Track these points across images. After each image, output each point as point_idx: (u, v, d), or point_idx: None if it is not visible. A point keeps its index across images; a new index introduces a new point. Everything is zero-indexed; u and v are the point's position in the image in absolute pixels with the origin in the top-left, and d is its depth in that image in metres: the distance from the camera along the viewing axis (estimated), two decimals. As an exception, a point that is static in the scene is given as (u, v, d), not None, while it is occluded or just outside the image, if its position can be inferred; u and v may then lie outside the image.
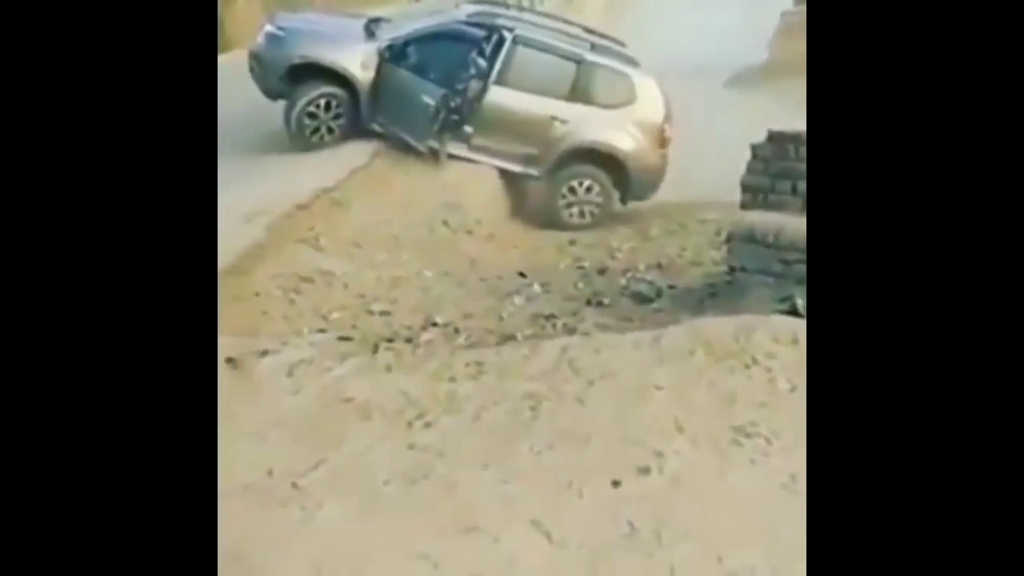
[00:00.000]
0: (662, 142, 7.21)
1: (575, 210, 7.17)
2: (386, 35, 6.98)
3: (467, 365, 3.18)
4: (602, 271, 5.57)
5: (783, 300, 3.63)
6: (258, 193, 5.73)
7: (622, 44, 7.74)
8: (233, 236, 4.99)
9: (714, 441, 2.57)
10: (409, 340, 4.19)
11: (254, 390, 3.13)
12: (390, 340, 4.16)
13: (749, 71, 12.81)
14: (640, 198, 7.43)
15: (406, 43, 6.84)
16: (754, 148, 4.08)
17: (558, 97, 6.95)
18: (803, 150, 3.68)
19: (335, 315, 4.62)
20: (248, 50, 7.47)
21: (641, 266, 5.57)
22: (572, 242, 6.70)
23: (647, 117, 7.12)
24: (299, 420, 2.89)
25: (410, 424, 2.80)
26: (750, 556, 2.15)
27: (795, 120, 3.67)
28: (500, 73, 6.84)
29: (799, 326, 3.18)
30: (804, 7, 11.98)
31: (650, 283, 5.01)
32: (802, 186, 3.76)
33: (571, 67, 6.94)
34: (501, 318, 4.59)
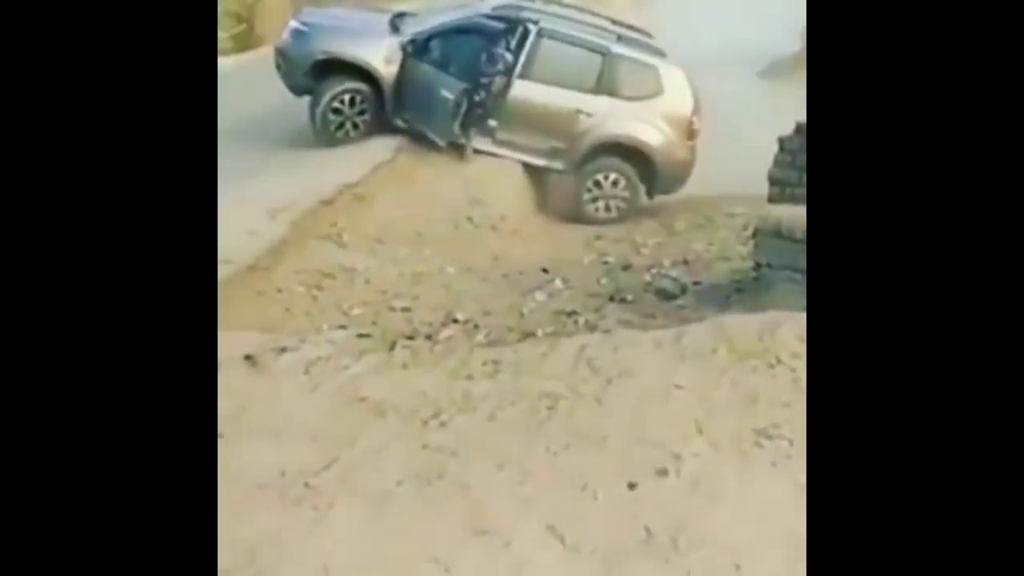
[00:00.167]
0: (690, 134, 7.09)
1: (600, 204, 7.08)
2: (410, 29, 6.96)
3: (484, 364, 3.14)
4: (626, 267, 5.49)
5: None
6: (283, 189, 5.75)
7: (649, 35, 7.61)
8: (257, 232, 5.03)
9: (735, 443, 2.50)
10: (429, 337, 4.16)
11: (271, 388, 3.13)
12: (410, 337, 4.13)
13: (783, 61, 12.53)
14: (667, 192, 7.32)
15: (429, 37, 6.81)
16: (781, 140, 3.97)
17: (583, 90, 6.86)
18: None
19: (356, 311, 4.62)
20: (274, 46, 7.50)
21: (666, 262, 5.47)
22: (598, 237, 6.61)
23: (674, 109, 7.01)
24: (314, 418, 2.87)
25: (425, 423, 2.77)
26: (770, 563, 2.09)
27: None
28: (525, 66, 6.78)
29: (826, 324, 3.08)
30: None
31: (675, 279, 4.92)
32: (831, 179, 3.64)
33: (597, 59, 6.84)
34: (522, 315, 4.54)
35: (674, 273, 5.14)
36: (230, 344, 3.17)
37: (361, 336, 3.96)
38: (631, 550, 2.16)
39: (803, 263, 3.68)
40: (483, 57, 6.83)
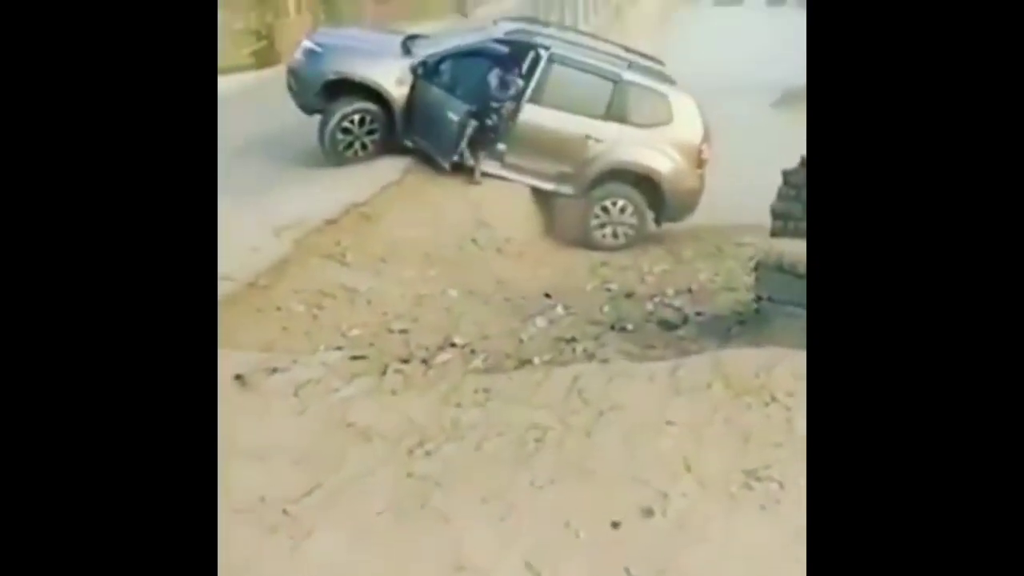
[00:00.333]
0: (699, 163, 7.06)
1: (608, 230, 7.06)
2: (422, 52, 7.00)
3: (475, 391, 3.10)
4: (630, 295, 5.44)
5: (810, 333, 3.46)
6: (289, 206, 5.75)
7: (661, 63, 7.62)
8: (260, 250, 5.03)
9: (723, 484, 2.44)
10: (424, 361, 4.13)
11: (259, 409, 3.10)
12: (405, 360, 4.10)
13: (796, 91, 12.52)
14: (675, 220, 7.28)
15: (440, 60, 6.84)
16: (785, 174, 3.93)
17: (593, 116, 6.86)
18: (835, 176, 3.52)
19: (354, 332, 4.59)
20: (287, 66, 7.56)
21: (670, 291, 5.42)
22: (603, 263, 6.58)
23: (684, 137, 6.98)
24: (300, 442, 2.84)
25: (411, 451, 2.73)
26: (753, 612, 2.02)
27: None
28: (535, 91, 6.79)
29: (824, 362, 3.03)
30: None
31: (677, 309, 4.86)
32: (834, 214, 3.60)
33: (607, 86, 6.85)
34: (521, 341, 4.50)
35: (677, 303, 5.08)
36: (222, 363, 3.15)
37: (355, 358, 3.93)
38: (611, 592, 2.10)
39: (804, 298, 3.63)
40: (494, 81, 6.86)
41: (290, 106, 7.52)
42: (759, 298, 3.91)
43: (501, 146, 6.91)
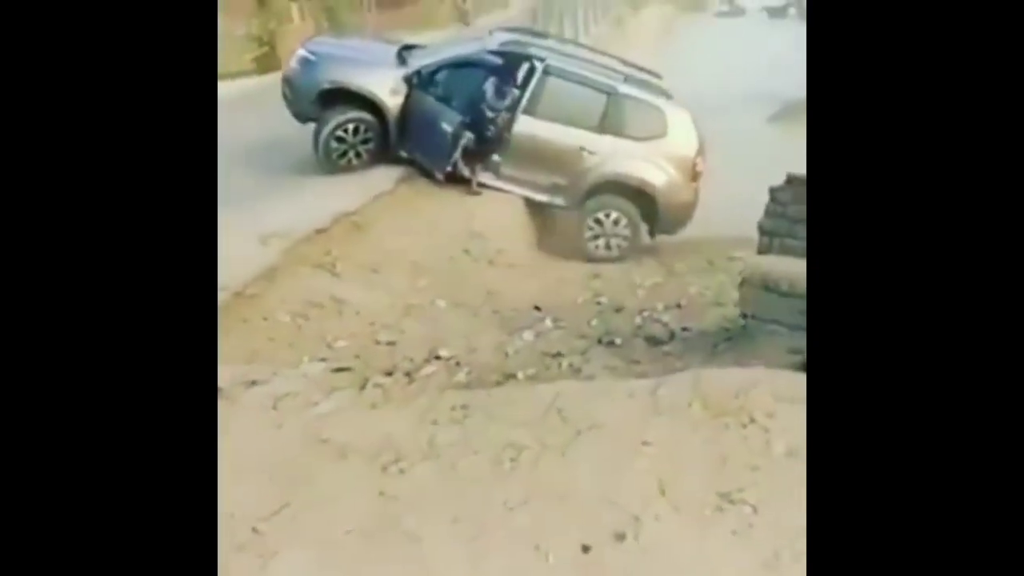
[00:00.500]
0: (693, 176, 7.05)
1: (601, 242, 7.05)
2: (417, 62, 7.00)
3: (453, 408, 3.07)
4: (619, 309, 5.41)
5: (794, 353, 3.44)
6: (280, 215, 5.74)
7: (658, 76, 7.62)
8: (247, 258, 5.01)
9: (697, 507, 2.41)
10: (408, 374, 4.11)
11: (236, 422, 3.07)
12: (389, 373, 4.08)
13: (793, 105, 12.54)
14: (669, 232, 7.28)
15: (435, 71, 6.84)
16: (772, 191, 3.91)
17: (588, 128, 6.86)
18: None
19: (340, 343, 4.57)
20: (282, 75, 7.57)
21: (660, 305, 5.40)
22: (595, 275, 6.56)
23: (679, 151, 6.98)
24: (274, 457, 2.81)
25: (385, 469, 2.70)
26: (721, 640, 1.99)
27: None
28: (530, 103, 6.80)
29: (804, 384, 3.00)
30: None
31: (664, 324, 4.84)
32: (820, 233, 3.58)
33: (602, 98, 6.84)
34: (506, 355, 4.47)
35: (666, 317, 5.06)
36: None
37: (338, 371, 3.92)
38: (578, 617, 2.07)
39: (788, 317, 3.62)
40: (489, 92, 6.86)
41: (287, 113, 7.52)
42: (744, 315, 3.89)
43: (496, 157, 6.91)
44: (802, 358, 3.38)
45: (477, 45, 7.26)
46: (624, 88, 6.91)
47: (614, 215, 7.00)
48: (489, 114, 6.91)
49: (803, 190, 3.72)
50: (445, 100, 6.72)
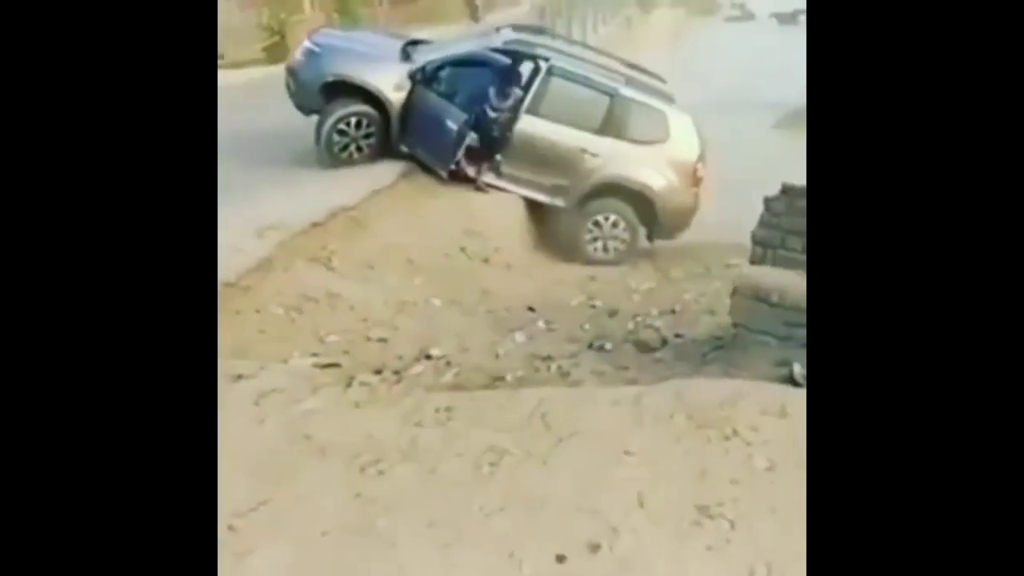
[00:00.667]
0: (694, 181, 7.04)
1: (599, 244, 7.05)
2: (422, 58, 6.99)
3: (437, 410, 3.07)
4: (613, 312, 5.40)
5: (781, 365, 3.43)
6: (276, 208, 5.74)
7: (662, 80, 7.60)
8: (242, 250, 5.00)
9: (675, 520, 2.40)
10: (397, 372, 4.10)
11: (219, 417, 3.06)
12: (378, 371, 4.07)
13: (799, 112, 12.52)
14: (668, 237, 7.27)
15: (439, 67, 6.83)
16: (767, 201, 3.89)
17: (590, 130, 6.85)
18: (816, 208, 3.49)
19: (332, 338, 4.56)
20: (286, 66, 7.56)
21: (654, 310, 5.38)
22: (591, 278, 6.55)
23: (680, 155, 6.97)
24: (255, 454, 2.80)
25: (363, 470, 2.69)
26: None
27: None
28: (532, 102, 6.78)
29: (790, 398, 2.99)
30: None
31: (656, 330, 4.83)
32: (813, 245, 3.56)
33: (605, 100, 6.83)
34: (497, 356, 4.46)
35: (658, 323, 5.05)
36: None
37: (326, 366, 3.91)
38: (548, 628, 2.06)
39: (778, 328, 3.60)
40: (492, 91, 6.85)
41: (290, 105, 7.51)
42: (735, 324, 3.88)
43: (497, 156, 6.90)
44: (788, 371, 3.37)
45: (482, 43, 7.25)
46: (626, 91, 6.89)
47: (613, 218, 6.99)
48: (492, 114, 6.90)
49: (797, 201, 3.70)
50: (449, 97, 6.71)
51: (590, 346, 4.66)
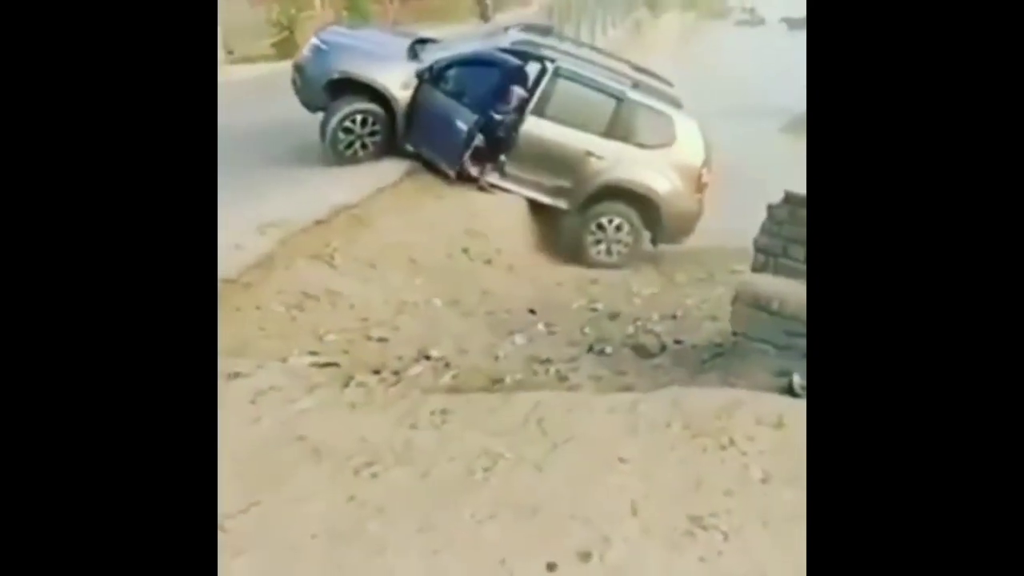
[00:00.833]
0: (699, 187, 7.01)
1: (603, 247, 7.02)
2: (429, 56, 6.98)
3: (432, 413, 3.05)
4: (614, 316, 5.38)
5: (781, 375, 3.40)
6: (279, 205, 5.73)
7: (669, 84, 7.57)
8: (244, 247, 5.00)
9: (667, 530, 2.38)
10: (396, 372, 4.09)
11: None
12: (376, 371, 4.06)
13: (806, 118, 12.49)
14: (672, 241, 7.25)
15: (447, 66, 6.81)
16: (770, 208, 3.87)
17: (595, 132, 6.82)
18: (818, 217, 3.47)
19: (331, 337, 4.55)
20: (293, 62, 7.56)
21: (655, 315, 5.36)
22: (593, 281, 6.53)
23: (686, 160, 6.94)
24: (248, 454, 2.79)
25: (357, 472, 2.68)
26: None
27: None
28: (538, 104, 6.77)
29: (788, 408, 2.97)
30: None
31: (656, 336, 4.80)
32: (816, 254, 3.54)
33: (611, 103, 6.81)
34: (496, 358, 4.45)
35: (659, 328, 5.02)
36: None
37: (324, 365, 3.90)
38: (537, 637, 2.05)
39: (777, 337, 3.58)
40: (499, 92, 6.84)
41: (295, 101, 7.50)
42: (735, 332, 3.86)
43: (502, 157, 6.89)
44: (787, 381, 3.35)
45: (490, 43, 7.23)
46: (633, 94, 6.87)
47: (617, 221, 6.97)
48: (497, 116, 6.89)
49: (800, 209, 3.68)
50: (456, 96, 6.69)
51: (590, 349, 4.65)
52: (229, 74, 11.07)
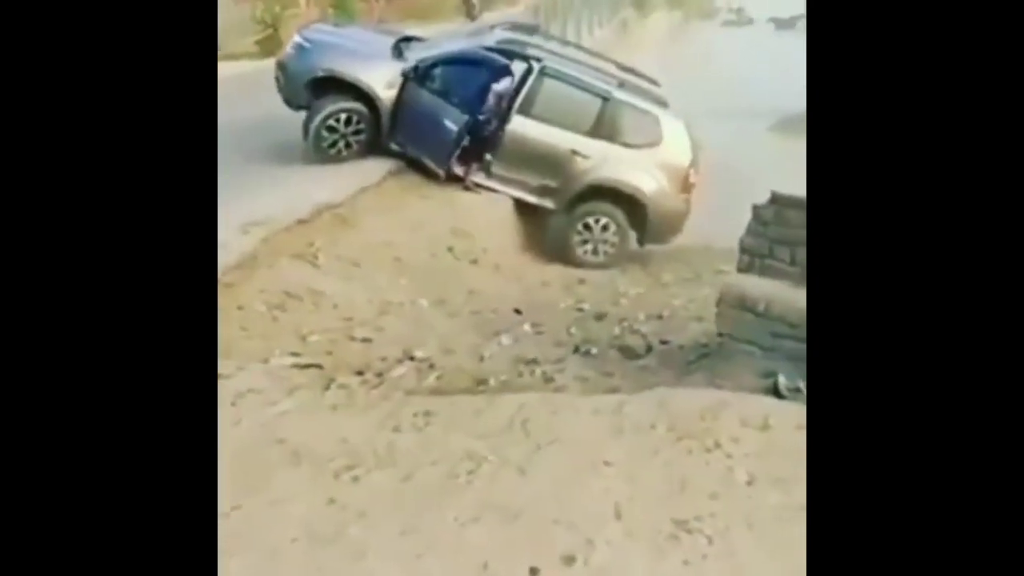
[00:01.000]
0: (686, 187, 7.00)
1: (589, 247, 7.00)
2: (414, 55, 6.93)
3: (415, 415, 3.02)
4: (600, 317, 5.36)
5: (766, 376, 3.39)
6: (261, 203, 5.67)
7: (656, 83, 7.56)
8: (226, 246, 4.92)
9: (651, 534, 2.36)
10: (380, 374, 4.05)
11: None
12: (360, 372, 4.02)
13: (794, 116, 12.51)
14: (659, 241, 7.23)
15: (432, 65, 6.76)
16: (756, 209, 3.85)
17: (581, 132, 6.80)
18: (804, 217, 3.46)
19: (314, 338, 4.50)
20: (276, 60, 7.48)
21: (641, 315, 5.34)
22: (581, 281, 6.51)
23: (672, 160, 6.93)
24: (227, 458, 2.74)
25: (337, 475, 2.64)
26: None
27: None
28: (524, 103, 6.74)
29: (774, 410, 2.96)
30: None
31: (643, 336, 4.79)
32: (801, 255, 3.54)
33: (597, 103, 6.78)
34: (481, 358, 4.42)
35: (645, 328, 5.01)
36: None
37: (306, 367, 3.86)
38: (519, 643, 2.02)
39: (762, 338, 3.57)
40: (485, 91, 6.80)
41: (278, 99, 7.43)
42: (720, 333, 3.85)
43: (488, 156, 6.85)
44: (772, 382, 3.34)
45: (476, 41, 7.19)
46: (619, 94, 6.85)
47: (603, 221, 6.95)
48: (484, 114, 6.85)
49: (786, 210, 3.67)
50: (443, 95, 6.64)
51: (576, 350, 4.62)
52: (213, 72, 10.95)
